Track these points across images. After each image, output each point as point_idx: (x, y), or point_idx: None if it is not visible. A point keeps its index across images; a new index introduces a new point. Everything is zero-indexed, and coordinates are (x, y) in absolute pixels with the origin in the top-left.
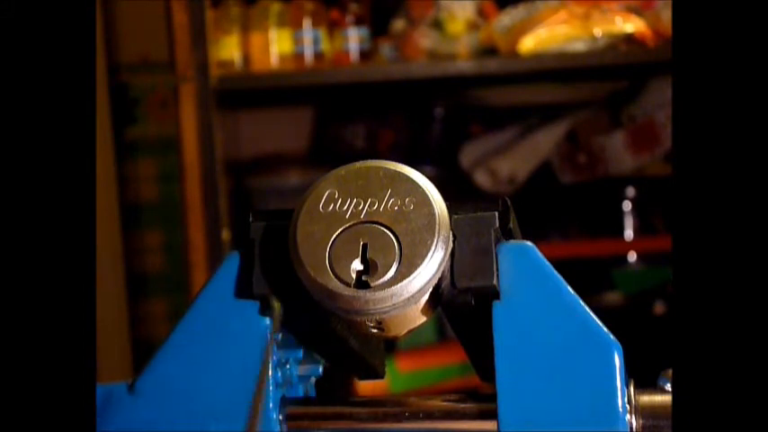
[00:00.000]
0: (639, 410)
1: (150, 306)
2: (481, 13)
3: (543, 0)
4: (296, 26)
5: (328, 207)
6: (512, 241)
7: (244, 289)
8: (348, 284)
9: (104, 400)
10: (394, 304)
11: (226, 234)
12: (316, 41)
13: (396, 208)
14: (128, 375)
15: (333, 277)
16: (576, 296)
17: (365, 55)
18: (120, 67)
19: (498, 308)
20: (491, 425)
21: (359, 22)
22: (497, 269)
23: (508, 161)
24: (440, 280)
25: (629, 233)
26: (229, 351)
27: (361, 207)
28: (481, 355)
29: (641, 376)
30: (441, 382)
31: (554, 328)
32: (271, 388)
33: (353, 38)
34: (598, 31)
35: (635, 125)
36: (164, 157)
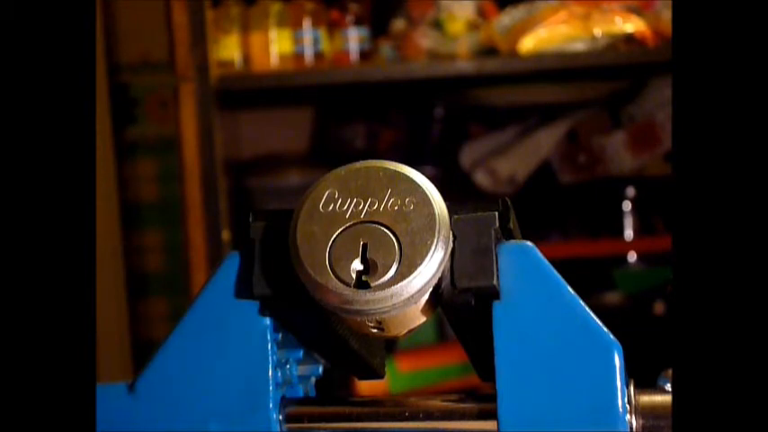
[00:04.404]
0: (639, 410)
1: (150, 306)
2: (481, 13)
3: (543, 0)
4: (296, 26)
5: (328, 207)
6: (512, 241)
7: (244, 289)
8: (348, 284)
9: (104, 400)
10: (394, 304)
11: (226, 234)
12: (316, 41)
13: (396, 208)
14: (128, 375)
15: (333, 277)
16: (576, 296)
17: (365, 55)
18: (120, 67)
19: (498, 308)
20: (491, 425)
21: (359, 22)
22: (497, 269)
23: (508, 161)
24: (440, 280)
25: (629, 233)
26: (229, 351)
27: (361, 207)
28: (481, 355)
29: (641, 376)
30: (441, 382)
31: (554, 328)
32: (271, 388)
33: (353, 38)
34: (598, 31)
35: (635, 125)
36: (164, 157)
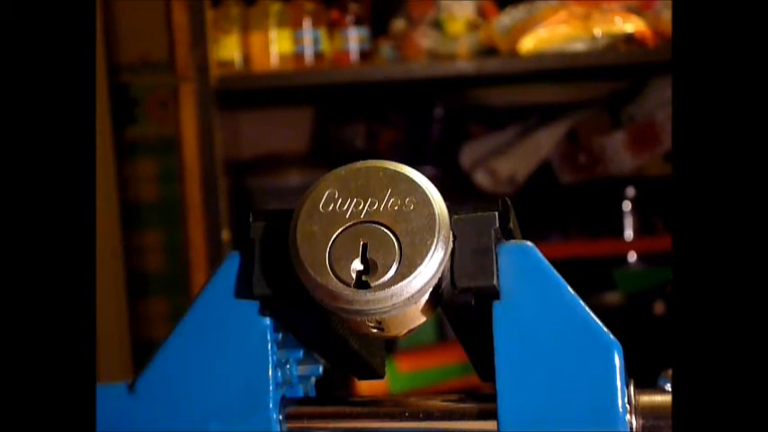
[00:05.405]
0: (639, 410)
1: (150, 306)
2: (481, 13)
3: (543, 0)
4: (296, 26)
5: (328, 207)
6: (512, 241)
7: (244, 289)
8: (348, 284)
9: (104, 400)
10: (394, 304)
11: (226, 234)
12: (316, 41)
13: (396, 208)
14: (128, 375)
15: (333, 277)
16: (576, 296)
17: (365, 55)
18: (120, 67)
19: (498, 308)
20: (491, 425)
21: (359, 22)
22: (497, 269)
23: (508, 161)
24: (440, 280)
25: (629, 233)
26: (229, 351)
27: (361, 207)
28: (481, 355)
29: (641, 376)
30: (441, 382)
31: (554, 328)
32: (271, 388)
33: (353, 38)
34: (598, 31)
35: (635, 125)
36: (164, 157)
